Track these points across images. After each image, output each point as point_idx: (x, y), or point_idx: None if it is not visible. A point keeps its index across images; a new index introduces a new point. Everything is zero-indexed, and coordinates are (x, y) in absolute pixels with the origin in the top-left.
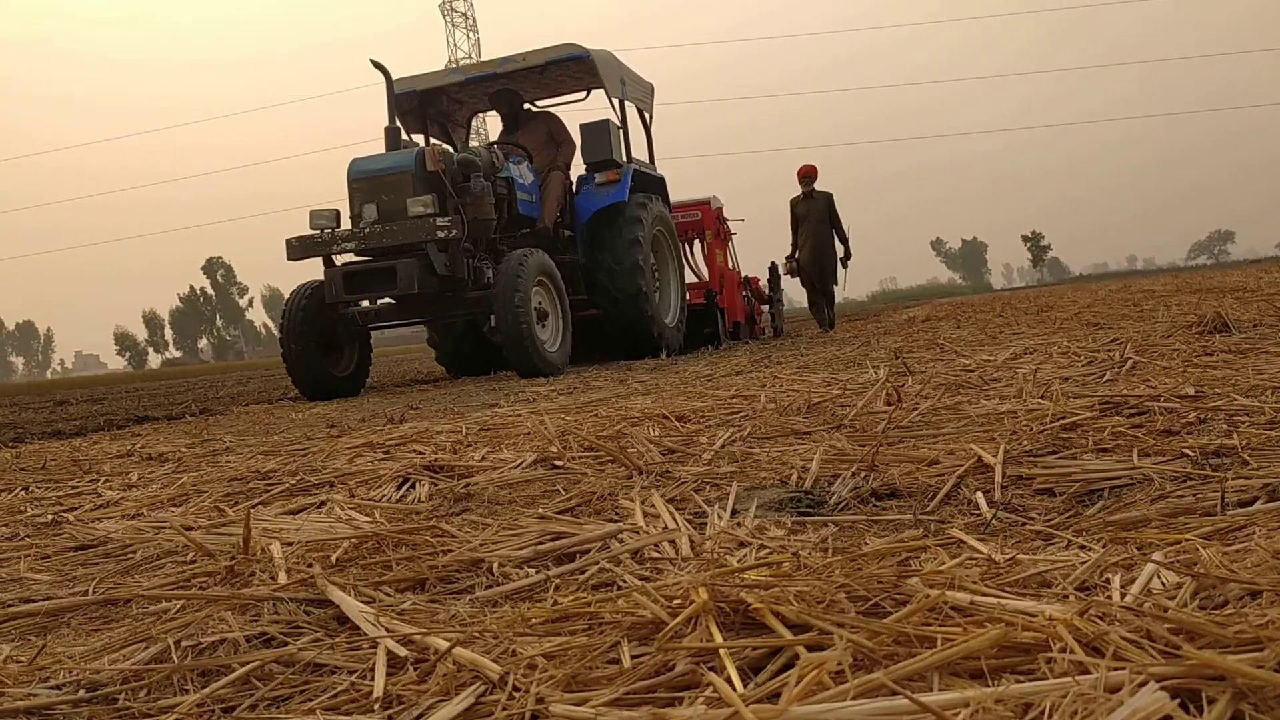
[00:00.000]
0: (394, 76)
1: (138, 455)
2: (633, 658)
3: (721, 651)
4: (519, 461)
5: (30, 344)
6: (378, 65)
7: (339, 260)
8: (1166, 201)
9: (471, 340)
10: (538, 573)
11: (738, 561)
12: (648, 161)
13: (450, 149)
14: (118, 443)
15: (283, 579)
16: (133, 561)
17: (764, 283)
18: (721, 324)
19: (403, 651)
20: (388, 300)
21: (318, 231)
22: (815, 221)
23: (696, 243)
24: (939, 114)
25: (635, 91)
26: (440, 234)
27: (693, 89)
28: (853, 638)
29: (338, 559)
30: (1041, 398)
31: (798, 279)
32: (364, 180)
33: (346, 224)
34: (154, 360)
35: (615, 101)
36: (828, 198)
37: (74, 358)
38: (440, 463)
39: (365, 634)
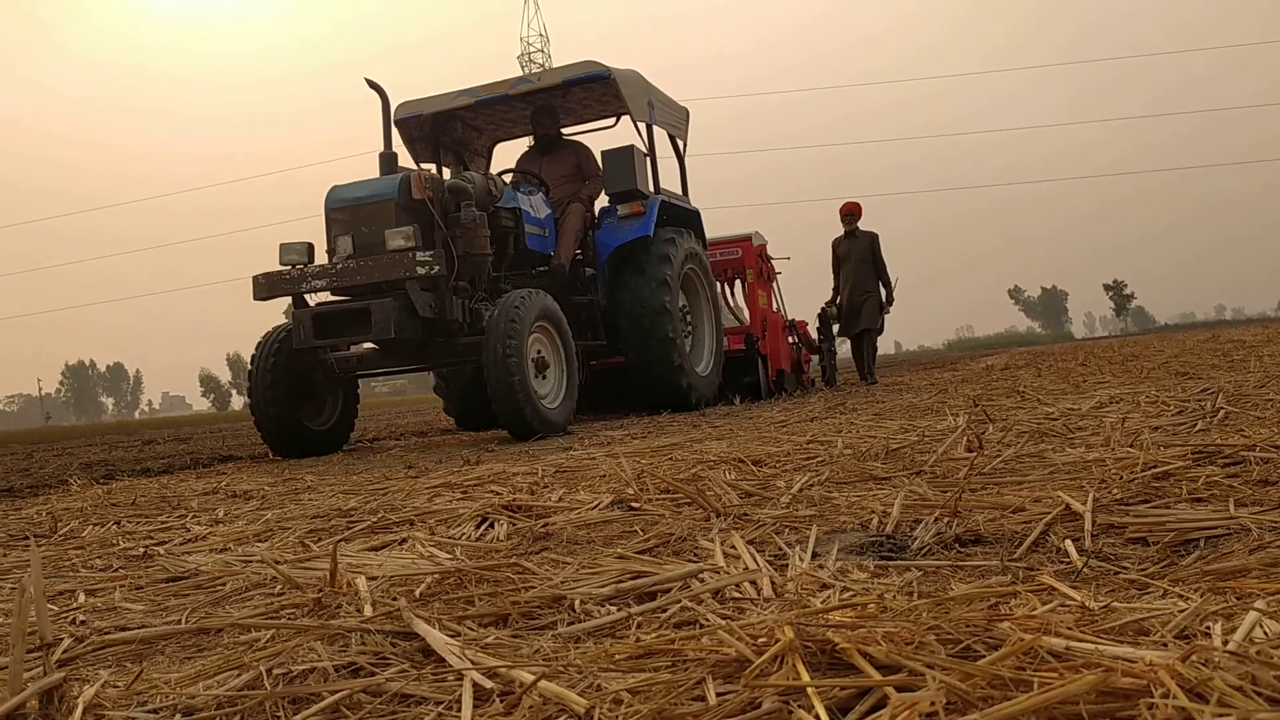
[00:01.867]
0: (407, 103)
1: (223, 493)
2: (718, 695)
3: (809, 690)
4: (596, 503)
5: (120, 385)
6: (373, 85)
7: (316, 300)
8: (1257, 249)
9: (482, 388)
10: (619, 610)
11: (821, 602)
12: (680, 194)
13: (440, 176)
14: (203, 480)
15: (368, 611)
16: (222, 593)
17: (814, 329)
18: (764, 373)
19: (488, 684)
20: (373, 345)
21: (288, 267)
22: (857, 262)
23: (737, 283)
24: (1016, 156)
25: (666, 115)
26: (421, 270)
27: (772, 131)
28: (945, 679)
29: (421, 594)
30: (1130, 446)
31: (835, 324)
32: (342, 210)
33: (324, 259)
34: (236, 402)
35: (642, 127)
36: (871, 238)
37: (161, 399)
38: (518, 503)
39: (451, 666)
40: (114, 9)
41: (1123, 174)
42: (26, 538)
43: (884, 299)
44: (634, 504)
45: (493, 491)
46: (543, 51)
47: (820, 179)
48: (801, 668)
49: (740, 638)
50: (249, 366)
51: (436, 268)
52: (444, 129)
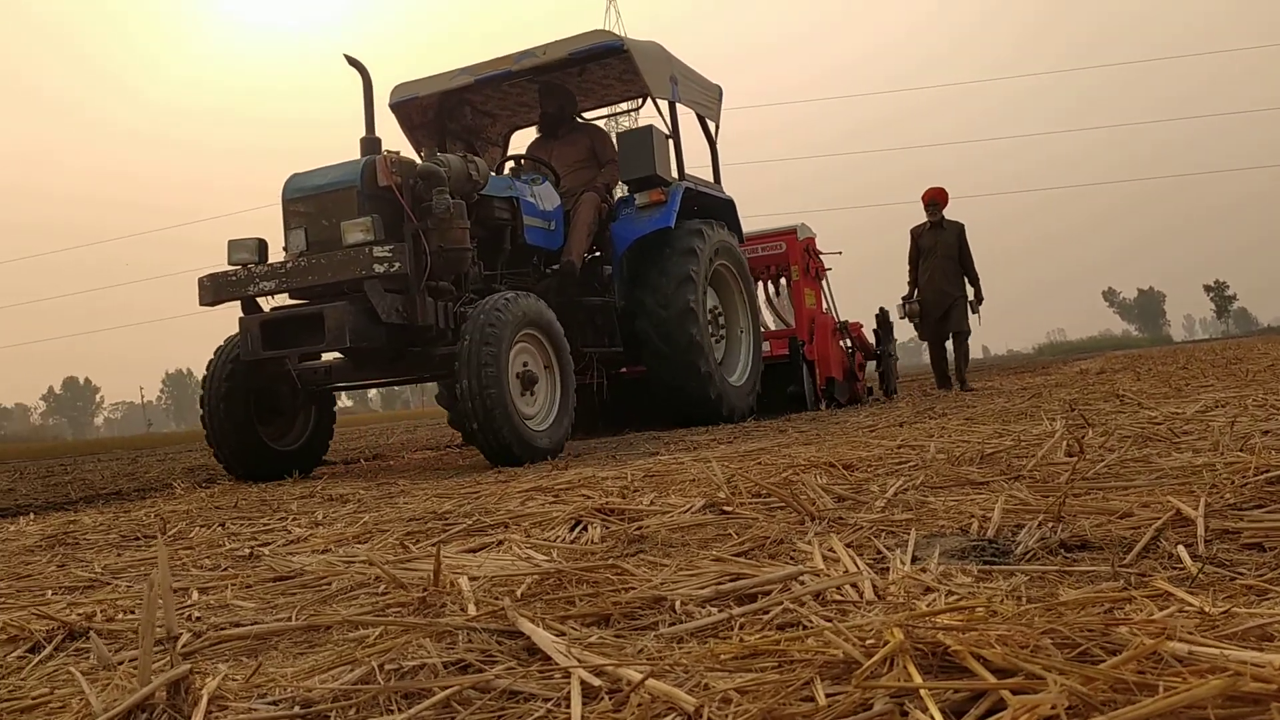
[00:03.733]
0: (402, 85)
1: (319, 496)
2: (827, 695)
3: (923, 692)
4: (688, 506)
5: None
6: (354, 62)
7: (274, 305)
8: None
9: None
10: (720, 611)
11: (927, 606)
12: (712, 181)
13: (415, 160)
14: (299, 485)
15: (473, 610)
16: (328, 592)
17: (871, 332)
18: (810, 381)
19: (596, 681)
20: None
21: (238, 268)
22: (943, 257)
23: (781, 281)
24: (1108, 156)
25: (692, 93)
26: (379, 268)
27: (863, 138)
28: (1065, 682)
29: (523, 594)
30: (1241, 450)
31: (913, 324)
32: (300, 200)
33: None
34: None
35: (665, 106)
36: (959, 229)
37: None
38: (610, 506)
39: (557, 664)
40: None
41: (1224, 171)
42: (138, 538)
43: (973, 297)
44: (726, 507)
45: (583, 495)
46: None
47: (901, 178)
48: (913, 669)
49: (848, 639)
50: (202, 379)
51: (398, 264)
52: (451, 114)
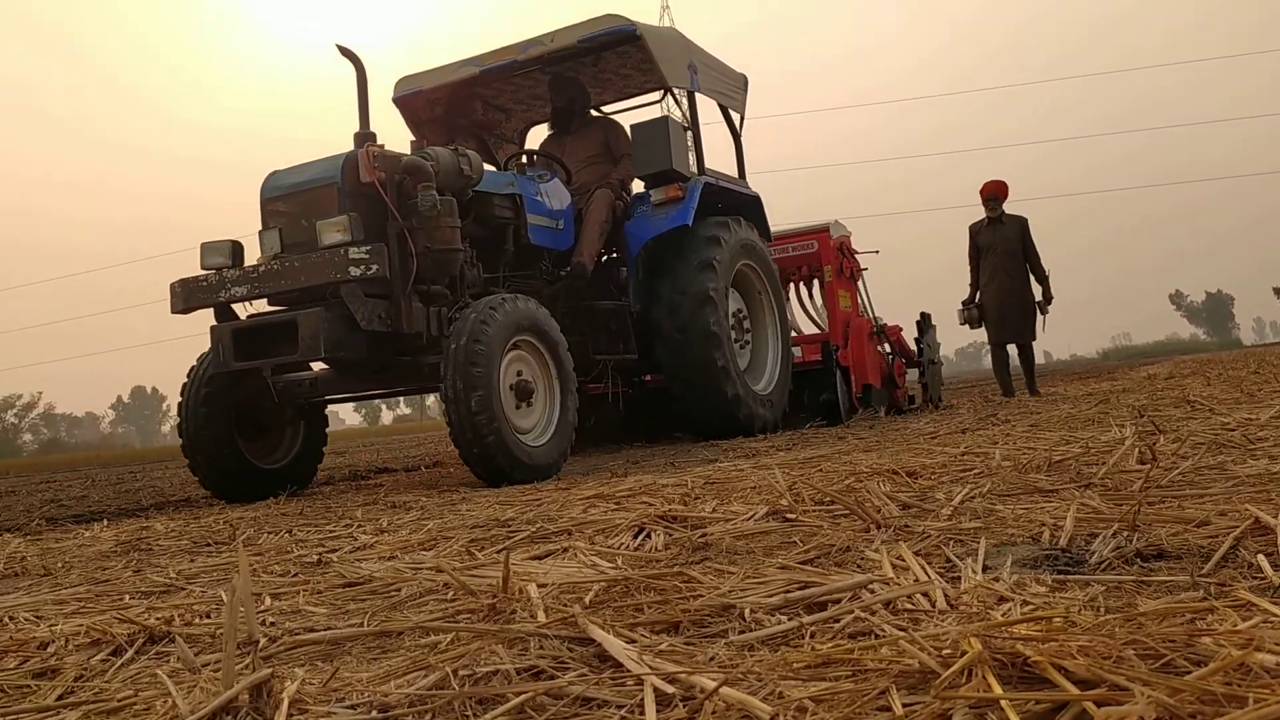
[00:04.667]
0: (406, 78)
1: (382, 503)
2: (904, 705)
3: (1004, 703)
4: (751, 514)
5: None
6: (346, 53)
7: (250, 312)
8: None
9: None
10: (790, 619)
11: (1002, 616)
12: (737, 176)
13: (401, 153)
14: (363, 492)
15: (543, 617)
16: (398, 598)
17: (911, 336)
18: (844, 388)
19: (669, 689)
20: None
21: (210, 272)
22: (1004, 254)
23: (815, 283)
24: (1173, 157)
25: (714, 82)
26: (355, 270)
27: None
28: (1151, 694)
29: (591, 600)
30: None
31: (978, 329)
32: (278, 199)
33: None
34: (386, 416)
35: (683, 97)
36: (1021, 224)
37: None
38: (672, 513)
39: (629, 671)
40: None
41: None
42: (209, 544)
43: (1040, 298)
44: (789, 515)
45: (645, 502)
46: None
47: (963, 182)
48: (993, 680)
49: (923, 648)
50: (179, 397)
51: (375, 267)
52: (460, 109)
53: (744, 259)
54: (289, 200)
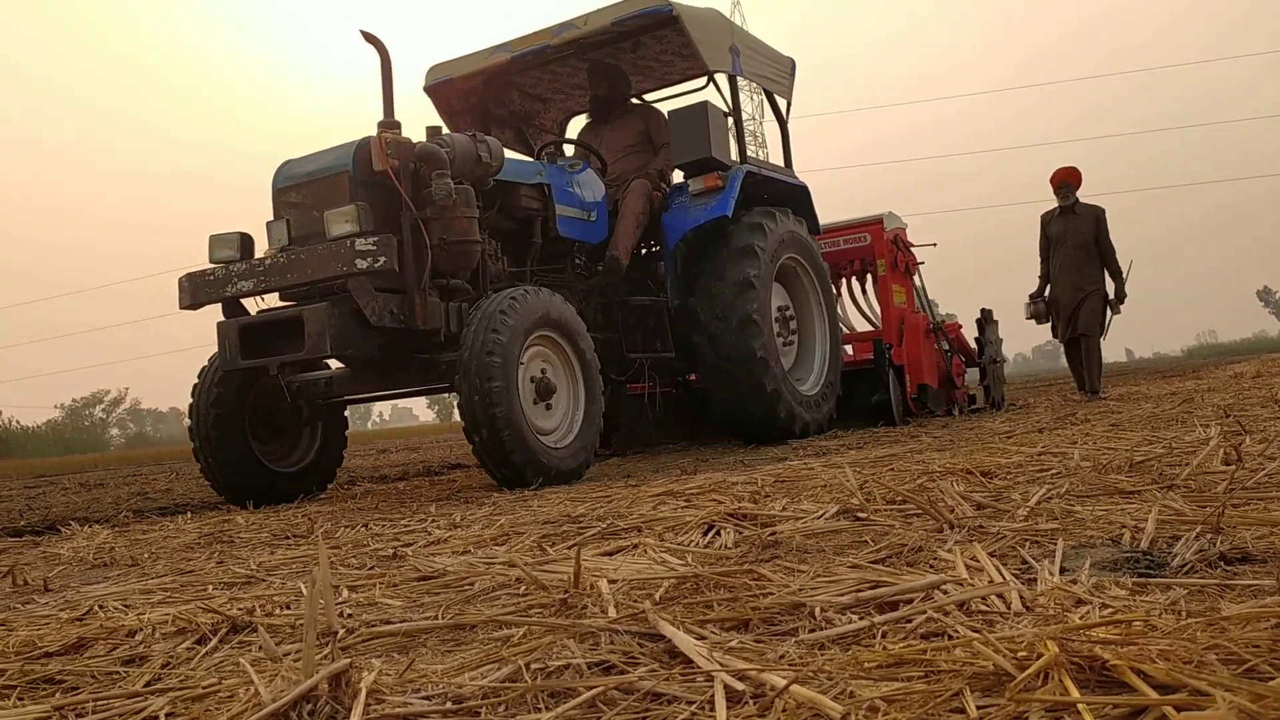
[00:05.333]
0: (437, 66)
1: (456, 499)
2: (978, 707)
3: (1080, 707)
4: (821, 512)
5: None
6: (370, 38)
7: (261, 307)
8: None
9: None
10: (861, 619)
11: (1080, 618)
12: (783, 165)
13: (417, 141)
14: (436, 487)
15: (613, 613)
16: (471, 592)
17: (972, 335)
18: (898, 388)
19: (739, 686)
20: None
21: (218, 266)
22: (1075, 246)
23: (867, 278)
24: (1261, 147)
25: (757, 66)
26: (361, 263)
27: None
28: (1234, 700)
29: (661, 597)
30: None
31: (1045, 324)
32: (291, 189)
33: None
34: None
35: (723, 80)
36: (1095, 214)
37: (390, 410)
38: (742, 511)
39: (699, 667)
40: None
41: None
42: (288, 537)
43: (1113, 294)
44: (860, 514)
45: (714, 500)
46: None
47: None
48: (1070, 683)
49: (998, 650)
50: (189, 399)
51: (383, 259)
52: (497, 99)
53: (789, 252)
54: (301, 190)
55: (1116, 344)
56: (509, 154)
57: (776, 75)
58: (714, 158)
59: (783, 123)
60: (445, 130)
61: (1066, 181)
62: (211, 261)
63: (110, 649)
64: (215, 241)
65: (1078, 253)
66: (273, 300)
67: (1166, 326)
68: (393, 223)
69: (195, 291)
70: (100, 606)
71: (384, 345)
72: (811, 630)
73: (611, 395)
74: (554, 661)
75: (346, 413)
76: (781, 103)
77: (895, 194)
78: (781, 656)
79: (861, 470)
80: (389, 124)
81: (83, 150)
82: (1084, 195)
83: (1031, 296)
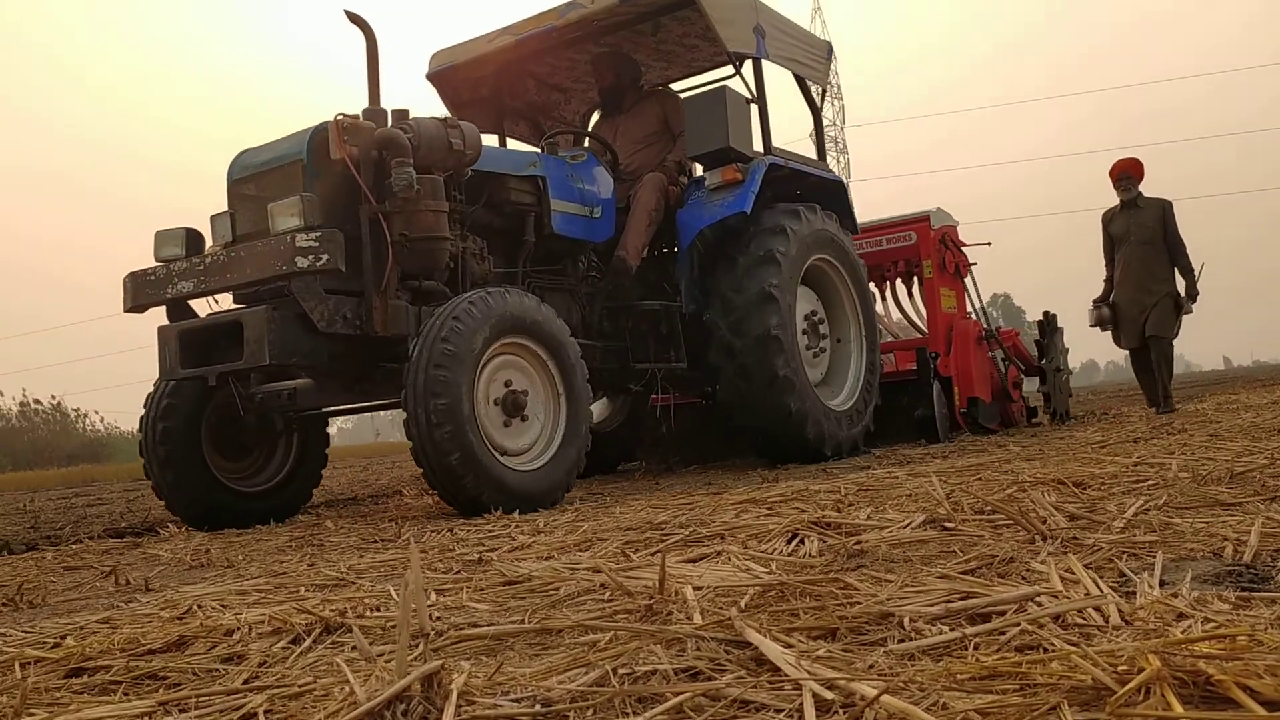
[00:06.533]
0: (440, 52)
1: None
2: None
3: None
4: (907, 521)
5: None
6: (355, 19)
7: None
8: None
9: None
10: (951, 630)
11: (1182, 633)
12: (816, 158)
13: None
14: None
15: (699, 619)
16: (557, 597)
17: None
18: (947, 402)
19: (828, 695)
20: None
21: (160, 265)
22: (1140, 243)
23: (914, 281)
24: None
25: (787, 49)
26: (302, 262)
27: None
28: None
29: (746, 604)
30: None
31: (1109, 331)
32: (245, 180)
33: None
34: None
35: (745, 63)
36: (1160, 208)
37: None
38: (826, 520)
39: (787, 676)
40: None
41: None
42: (376, 541)
43: (1183, 294)
44: (947, 524)
45: (797, 508)
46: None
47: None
48: (1173, 699)
49: (1097, 664)
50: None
51: (325, 258)
52: (510, 90)
53: (818, 252)
54: (256, 181)
55: (1213, 351)
56: (511, 144)
57: (809, 59)
58: (733, 148)
59: (815, 111)
60: (417, 116)
61: (1128, 173)
62: (156, 259)
63: (209, 647)
64: (160, 238)
65: (1143, 250)
66: (228, 303)
67: (1267, 333)
68: (353, 217)
69: (137, 292)
70: (199, 606)
71: (338, 354)
72: (901, 640)
73: (632, 408)
74: (641, 667)
75: (331, 429)
76: (815, 90)
77: (976, 198)
78: (871, 666)
79: (948, 479)
80: (376, 111)
81: (188, 162)
82: (1166, 193)
83: (1096, 301)
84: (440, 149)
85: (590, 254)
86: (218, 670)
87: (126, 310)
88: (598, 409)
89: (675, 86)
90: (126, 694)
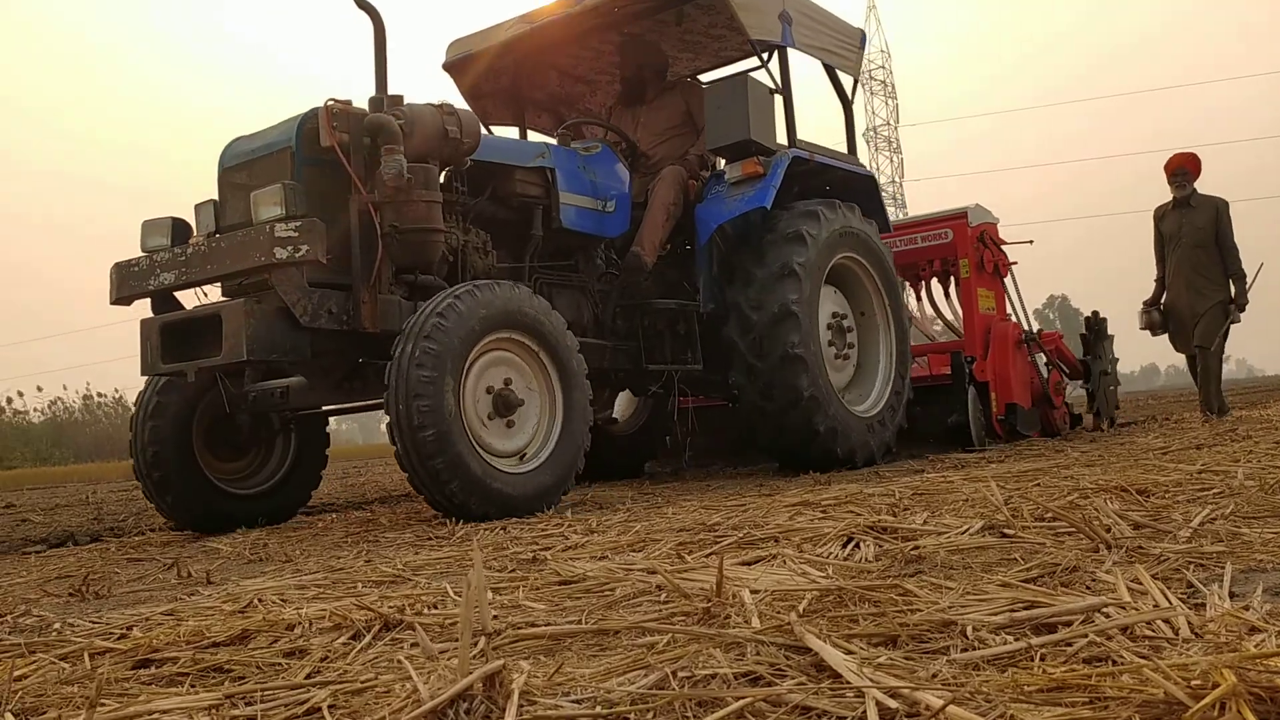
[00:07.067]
0: (458, 42)
1: (589, 503)
2: None
3: None
4: (965, 527)
5: None
6: (363, 4)
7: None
8: None
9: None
10: (1017, 640)
11: (1255, 647)
12: (847, 152)
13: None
14: (571, 493)
15: (757, 623)
16: (613, 597)
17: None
18: (983, 408)
19: (892, 704)
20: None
21: (144, 256)
22: (1190, 245)
23: (950, 280)
24: None
25: (815, 37)
26: (281, 253)
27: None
28: None
29: (805, 609)
30: None
31: (1161, 335)
32: (237, 169)
33: None
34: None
35: (768, 52)
36: (1214, 208)
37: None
38: (881, 524)
39: (848, 683)
40: None
41: None
42: (430, 539)
43: (1233, 297)
44: (1007, 530)
45: (852, 511)
46: (884, 68)
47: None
48: (1250, 715)
49: (1169, 678)
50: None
51: (305, 248)
52: (532, 81)
53: (844, 251)
54: (247, 170)
55: (1271, 355)
56: (532, 137)
57: (840, 48)
58: (754, 139)
59: (845, 102)
60: (418, 102)
61: (1183, 168)
62: (143, 250)
63: (272, 641)
64: (147, 228)
65: (1195, 253)
66: (217, 295)
67: None
68: (346, 207)
69: (121, 284)
70: (260, 600)
71: (325, 350)
72: (964, 650)
73: (653, 410)
74: (700, 670)
75: (330, 427)
76: (846, 80)
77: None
78: (934, 675)
79: (1005, 484)
80: (379, 100)
81: None
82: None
83: (1146, 304)
84: (435, 136)
85: (606, 250)
86: (280, 664)
87: (113, 303)
88: (619, 409)
89: (704, 79)
90: (193, 686)
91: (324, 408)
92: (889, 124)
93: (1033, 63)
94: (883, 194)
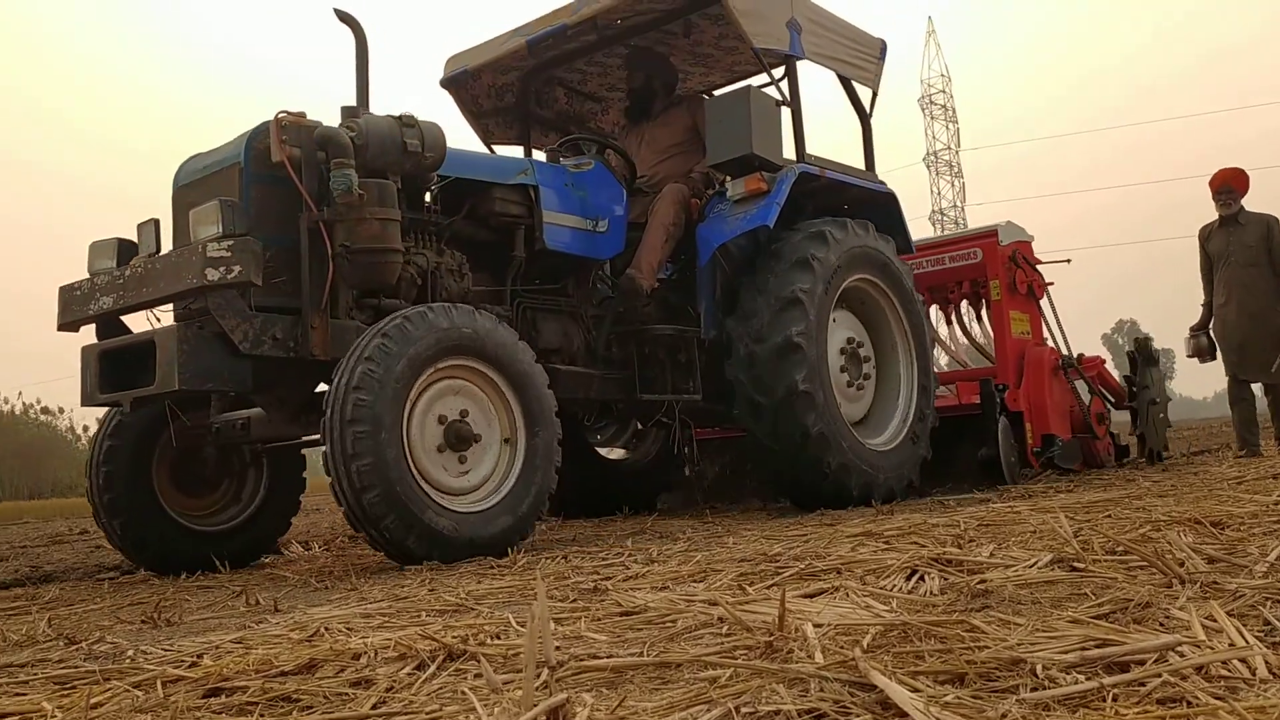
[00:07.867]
0: (456, 57)
1: (649, 533)
2: None
3: None
4: (1033, 560)
5: None
6: (344, 17)
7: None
8: None
9: (587, 460)
10: (1088, 679)
11: None
12: (865, 169)
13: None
14: (630, 521)
15: (820, 659)
16: (674, 629)
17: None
18: (1016, 440)
19: None
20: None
21: (86, 280)
22: (1240, 265)
23: (981, 303)
24: None
25: (828, 46)
26: (212, 274)
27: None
28: None
29: (869, 644)
30: None
31: (1211, 361)
32: (189, 187)
33: None
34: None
35: (774, 59)
36: (1265, 225)
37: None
38: (946, 556)
39: None
40: None
41: None
42: (493, 567)
43: None
44: (1077, 564)
45: (915, 543)
46: (945, 92)
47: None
48: None
49: None
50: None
51: (236, 269)
52: (538, 98)
53: (860, 272)
54: (198, 188)
55: None
56: (537, 155)
57: (856, 59)
58: (757, 154)
59: (863, 116)
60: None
61: (1229, 185)
62: (89, 272)
63: (338, 670)
64: (94, 250)
65: (1246, 272)
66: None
67: None
68: (272, 222)
69: (64, 309)
70: (326, 629)
71: (270, 380)
72: (1034, 689)
73: (661, 443)
74: (764, 706)
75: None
76: (864, 93)
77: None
78: (1003, 716)
79: (1074, 516)
80: (348, 109)
81: None
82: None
83: (1193, 329)
84: (392, 150)
85: (601, 272)
86: (347, 694)
87: (59, 329)
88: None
89: (718, 94)
90: (262, 715)
91: (289, 441)
92: (949, 148)
93: (1089, 85)
94: (944, 218)
